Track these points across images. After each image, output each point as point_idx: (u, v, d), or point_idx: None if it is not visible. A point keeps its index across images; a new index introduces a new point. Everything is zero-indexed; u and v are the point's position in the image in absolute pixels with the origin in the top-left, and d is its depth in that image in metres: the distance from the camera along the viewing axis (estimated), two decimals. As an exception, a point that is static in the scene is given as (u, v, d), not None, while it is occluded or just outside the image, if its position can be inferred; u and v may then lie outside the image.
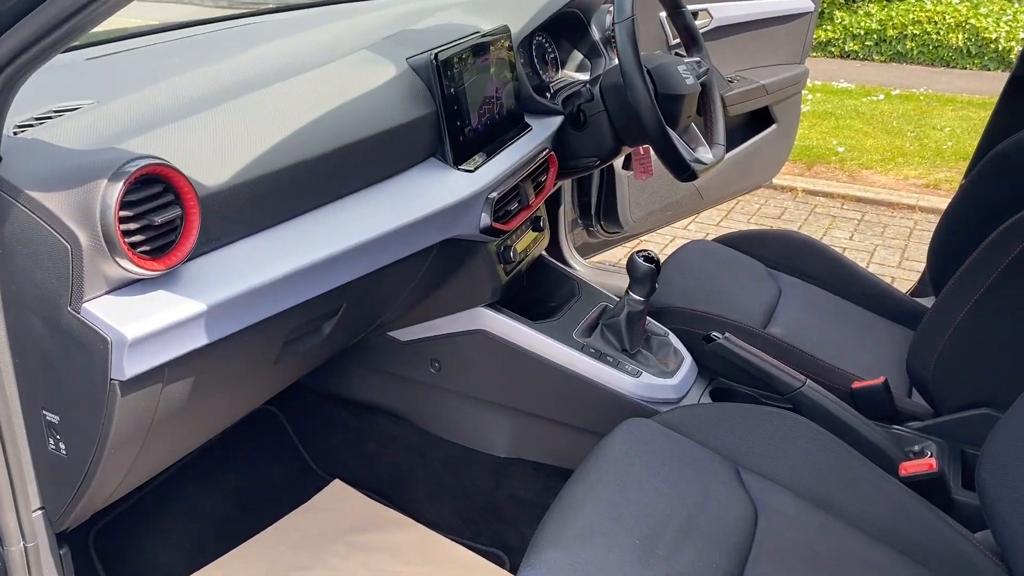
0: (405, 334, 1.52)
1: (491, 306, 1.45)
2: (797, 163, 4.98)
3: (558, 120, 1.66)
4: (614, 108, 1.65)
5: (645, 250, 1.42)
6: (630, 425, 1.16)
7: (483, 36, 1.42)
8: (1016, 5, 8.17)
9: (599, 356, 1.43)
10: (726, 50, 2.65)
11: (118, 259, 0.83)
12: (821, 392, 1.38)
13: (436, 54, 1.26)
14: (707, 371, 1.56)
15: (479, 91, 1.39)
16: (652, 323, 1.56)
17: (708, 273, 1.81)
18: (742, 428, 1.21)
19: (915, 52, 8.33)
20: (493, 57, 1.45)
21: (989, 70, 8.02)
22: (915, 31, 8.27)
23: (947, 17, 8.15)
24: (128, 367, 0.86)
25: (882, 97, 6.63)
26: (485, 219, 1.32)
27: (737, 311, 1.68)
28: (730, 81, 2.62)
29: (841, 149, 5.17)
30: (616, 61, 1.52)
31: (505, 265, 1.47)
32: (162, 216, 0.86)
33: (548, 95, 1.78)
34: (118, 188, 0.81)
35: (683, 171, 1.58)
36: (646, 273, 1.39)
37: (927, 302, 1.91)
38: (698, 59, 1.81)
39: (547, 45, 1.90)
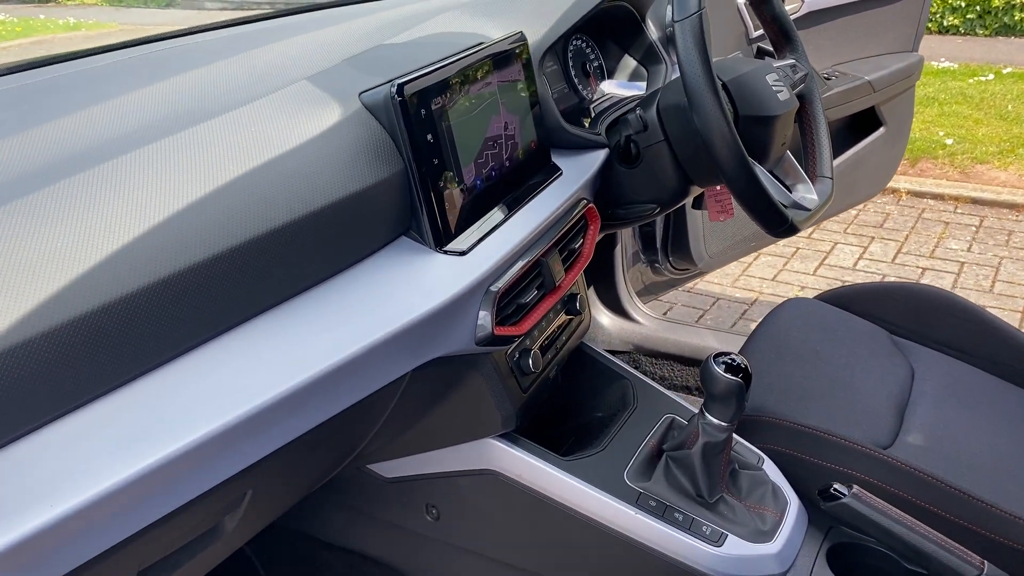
0: (390, 468, 1.10)
1: (505, 436, 1.02)
2: (898, 159, 4.37)
3: (601, 156, 1.22)
4: (677, 137, 1.20)
5: (728, 354, 0.97)
6: None
7: (482, 50, 0.99)
8: None
9: (662, 512, 0.98)
10: (821, 39, 2.16)
11: None
12: None
13: (399, 86, 0.84)
14: (821, 516, 1.10)
15: (476, 131, 0.96)
16: (740, 443, 1.11)
17: (813, 351, 1.34)
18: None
19: (1025, 24, 7.48)
20: (501, 79, 1.02)
21: (1114, 40, 7.13)
22: (1025, 0, 7.42)
23: (1063, -18, 7.28)
24: None
25: (991, 77, 5.89)
26: (484, 324, 0.89)
27: (858, 414, 1.21)
28: (827, 79, 2.12)
29: (950, 141, 4.53)
30: (675, 50, 1.08)
31: (522, 378, 1.03)
32: None
33: (587, 121, 1.33)
34: None
35: (778, 224, 1.13)
36: (731, 390, 0.94)
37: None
38: (793, 61, 1.33)
39: (588, 50, 1.45)
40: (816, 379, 1.28)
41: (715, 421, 0.97)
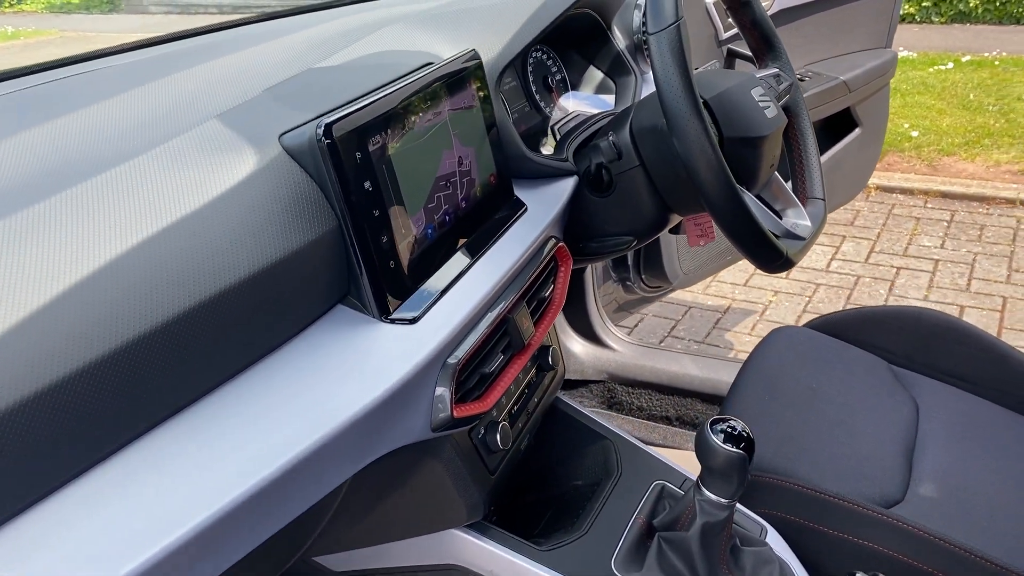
0: (340, 561, 0.95)
1: (472, 525, 0.87)
2: (864, 152, 4.31)
3: (569, 185, 1.08)
4: (655, 162, 1.07)
5: (727, 419, 0.83)
6: None
7: (429, 74, 0.84)
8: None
9: None
10: (793, 38, 2.04)
11: None
12: None
13: (326, 125, 0.69)
14: None
15: (425, 170, 0.81)
16: (740, 511, 0.98)
17: (809, 389, 1.21)
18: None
19: (980, 10, 7.50)
20: (452, 106, 0.87)
21: (1067, 25, 7.17)
22: (979, -13, 7.44)
23: (1015, -31, 7.31)
24: None
25: (951, 65, 5.87)
26: (442, 404, 0.74)
27: (865, 465, 1.08)
28: (801, 80, 2.01)
29: (915, 133, 4.47)
30: (653, 82, 0.94)
31: (488, 458, 0.89)
32: None
33: (552, 144, 1.19)
34: None
35: (772, 260, 1.00)
36: (732, 464, 0.81)
37: None
38: (776, 71, 1.21)
39: (550, 62, 1.31)
40: (815, 423, 1.15)
41: (714, 498, 0.84)
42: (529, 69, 1.26)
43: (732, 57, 1.93)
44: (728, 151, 1.02)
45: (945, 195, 3.75)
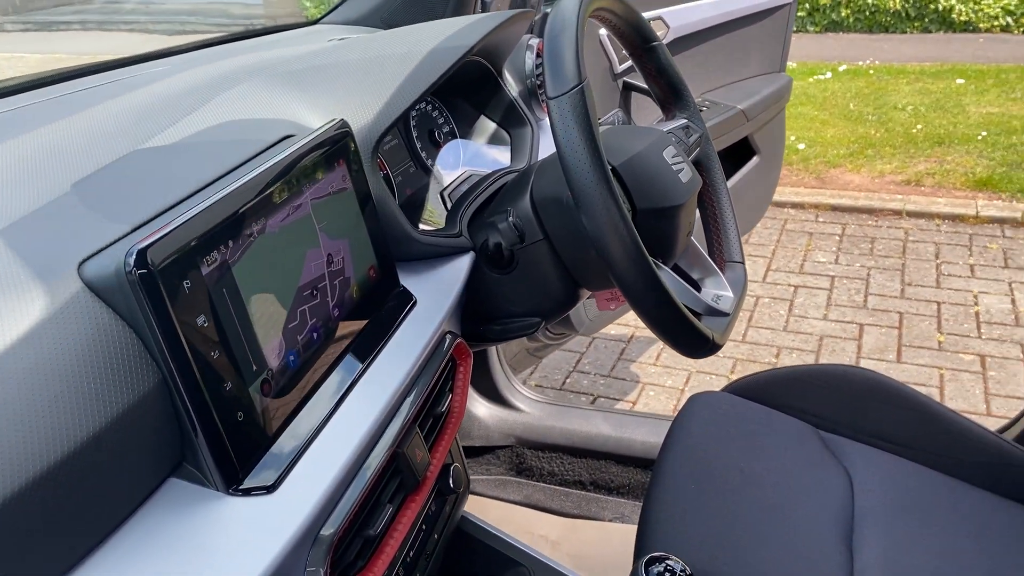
0: None
1: None
2: (755, 166, 4.34)
3: (465, 264, 0.93)
4: (560, 237, 0.94)
5: (665, 559, 0.70)
6: None
7: (287, 158, 0.68)
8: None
9: None
10: (689, 66, 1.96)
11: None
12: None
13: (139, 252, 0.52)
14: None
15: (284, 283, 0.65)
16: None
17: (738, 471, 1.10)
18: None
19: (851, 19, 7.80)
20: (317, 194, 0.71)
21: (931, 32, 7.53)
22: (849, -3, 7.73)
23: (882, -20, 7.63)
24: None
25: (829, 75, 6.04)
26: None
27: (804, 559, 0.98)
28: (700, 110, 1.93)
29: (802, 146, 4.54)
30: (551, 132, 0.81)
31: None
32: None
33: (444, 211, 1.04)
34: None
35: (698, 346, 0.88)
36: None
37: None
38: (685, 121, 1.09)
39: (436, 114, 1.16)
40: (749, 511, 1.04)
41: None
42: (412, 124, 1.11)
43: (628, 91, 1.83)
44: (642, 223, 0.90)
45: (835, 208, 3.80)
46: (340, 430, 0.65)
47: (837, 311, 2.94)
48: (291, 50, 1.07)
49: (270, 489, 0.59)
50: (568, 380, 2.63)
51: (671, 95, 1.09)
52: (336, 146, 0.75)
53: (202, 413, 0.56)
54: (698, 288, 1.01)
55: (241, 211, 0.62)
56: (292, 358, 0.66)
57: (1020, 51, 6.53)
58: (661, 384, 2.57)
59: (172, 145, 0.75)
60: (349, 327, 0.74)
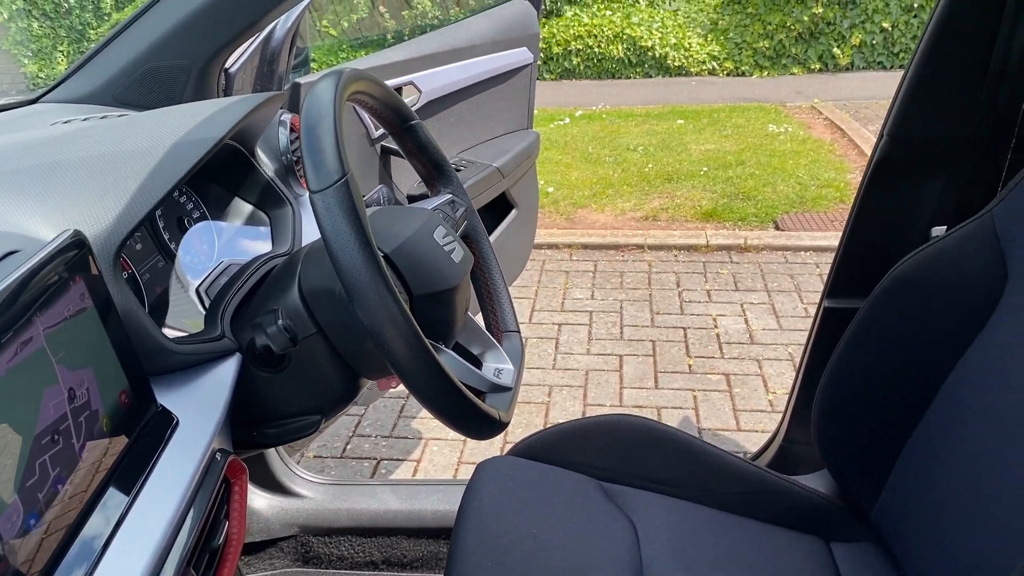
0: None
1: None
2: (510, 210, 4.52)
3: (231, 368, 0.86)
4: (335, 330, 0.90)
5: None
6: None
7: (6, 286, 0.59)
8: (661, 11, 8.56)
9: None
10: (442, 127, 2.00)
11: None
12: None
13: None
14: None
15: (13, 438, 0.56)
16: None
17: (530, 537, 1.11)
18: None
19: (582, 67, 8.41)
20: (50, 323, 0.62)
21: (652, 77, 8.30)
22: (578, 46, 8.34)
23: (605, 29, 8.32)
24: None
25: (568, 120, 6.46)
26: None
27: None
28: (458, 170, 1.97)
29: (551, 189, 4.80)
30: (319, 228, 0.77)
31: None
32: None
33: (202, 309, 0.96)
34: None
35: (485, 428, 0.87)
36: None
37: (813, 479, 1.39)
38: (450, 196, 1.10)
39: (184, 200, 1.08)
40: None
41: None
42: (158, 215, 1.01)
43: (387, 155, 1.83)
44: (419, 309, 0.89)
45: (586, 246, 4.04)
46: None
47: (598, 344, 3.11)
48: (7, 139, 0.94)
49: None
50: (349, 446, 2.55)
51: (434, 171, 1.10)
52: (71, 262, 0.67)
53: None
54: (479, 364, 1.01)
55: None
56: (33, 521, 0.56)
57: (727, 92, 7.38)
58: (444, 437, 2.56)
59: None
60: (102, 466, 0.65)
